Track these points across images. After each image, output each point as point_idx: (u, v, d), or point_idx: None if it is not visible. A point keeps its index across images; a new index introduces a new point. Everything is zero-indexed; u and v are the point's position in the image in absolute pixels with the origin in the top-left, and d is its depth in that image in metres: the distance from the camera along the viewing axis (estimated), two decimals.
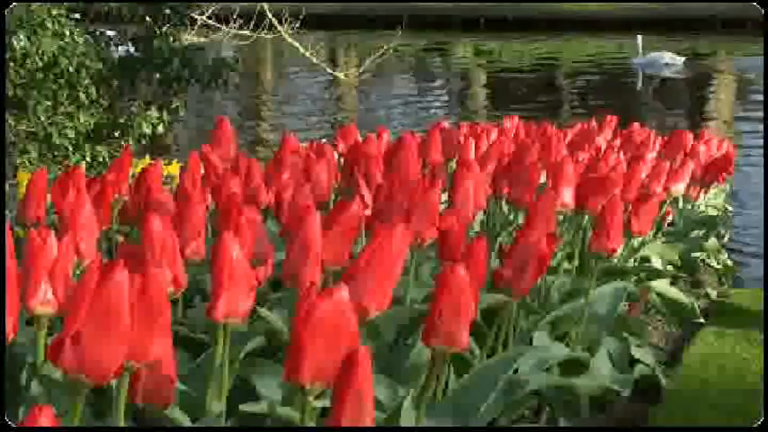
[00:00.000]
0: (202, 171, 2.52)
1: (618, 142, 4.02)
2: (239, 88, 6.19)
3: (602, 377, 2.22)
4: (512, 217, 2.63)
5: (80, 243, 1.71)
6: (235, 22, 6.36)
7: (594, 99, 11.95)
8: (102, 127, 4.86)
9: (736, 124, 9.85)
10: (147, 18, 5.22)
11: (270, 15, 6.19)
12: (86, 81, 4.64)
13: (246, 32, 6.32)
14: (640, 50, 14.08)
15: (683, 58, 14.02)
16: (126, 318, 1.07)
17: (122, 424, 1.23)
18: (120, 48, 5.33)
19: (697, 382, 2.49)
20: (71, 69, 4.52)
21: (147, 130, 4.90)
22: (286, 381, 1.13)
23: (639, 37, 14.15)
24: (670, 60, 13.97)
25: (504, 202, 2.66)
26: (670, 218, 3.48)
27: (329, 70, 7.38)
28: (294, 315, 1.12)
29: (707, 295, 3.47)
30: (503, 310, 1.79)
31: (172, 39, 5.17)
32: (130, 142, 4.87)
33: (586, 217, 2.47)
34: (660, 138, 4.10)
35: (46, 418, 0.90)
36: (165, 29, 5.19)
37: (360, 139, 3.27)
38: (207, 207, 2.16)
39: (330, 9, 18.32)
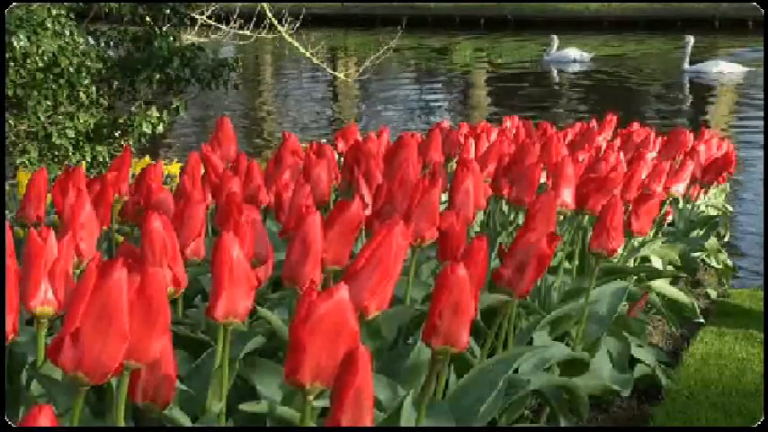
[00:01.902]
0: (203, 171, 2.52)
1: (618, 142, 4.02)
2: (239, 88, 6.18)
3: (603, 377, 2.22)
4: (512, 217, 2.63)
5: (80, 243, 1.71)
6: (235, 22, 6.36)
7: (594, 98, 11.95)
8: (102, 127, 4.86)
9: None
10: (147, 18, 5.22)
11: (270, 15, 6.19)
12: (86, 81, 4.64)
13: (246, 32, 6.32)
14: (554, 48, 14.91)
15: (590, 55, 14.89)
16: (124, 316, 1.06)
17: (122, 424, 1.23)
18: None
19: (697, 382, 2.49)
20: (71, 69, 4.52)
21: (147, 130, 4.90)
22: (286, 381, 1.13)
23: (555, 37, 15.01)
24: (578, 57, 14.83)
25: (504, 202, 2.65)
26: (670, 218, 3.48)
27: (329, 70, 7.38)
28: (294, 315, 1.12)
29: (707, 295, 3.47)
30: (503, 310, 1.79)
31: (172, 39, 5.17)
32: (130, 142, 4.87)
33: (586, 217, 2.47)
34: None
35: (46, 418, 0.90)
36: (165, 29, 5.20)
37: (360, 138, 3.27)
38: (207, 207, 2.16)
39: (330, 9, 18.29)
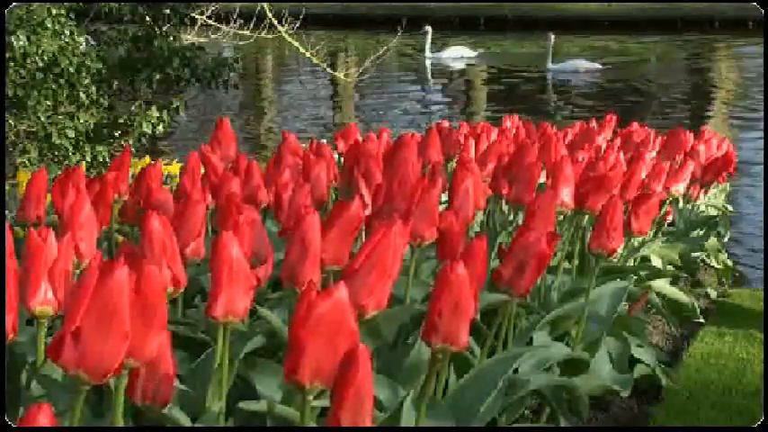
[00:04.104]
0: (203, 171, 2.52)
1: (618, 142, 4.02)
2: (239, 88, 6.18)
3: (602, 377, 2.22)
4: (512, 217, 2.63)
5: (80, 243, 1.71)
6: (235, 22, 6.35)
7: (595, 98, 11.96)
8: (103, 127, 4.85)
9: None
10: (147, 18, 5.21)
11: (270, 15, 6.19)
12: (86, 81, 4.64)
13: (246, 32, 6.31)
14: (428, 42, 15.26)
15: (476, 53, 15.48)
16: (126, 316, 1.07)
17: (121, 423, 1.23)
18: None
19: (697, 382, 2.49)
20: (71, 69, 4.51)
21: (147, 130, 4.90)
22: (286, 380, 1.12)
23: (429, 29, 15.28)
24: (465, 53, 15.43)
25: (504, 203, 2.65)
26: (670, 218, 3.48)
27: (329, 70, 7.38)
28: (293, 315, 1.12)
29: (707, 295, 3.47)
30: (503, 309, 1.79)
31: (172, 39, 5.16)
32: (130, 142, 4.87)
33: (586, 217, 2.46)
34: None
35: (45, 417, 0.90)
36: (165, 29, 5.19)
37: (359, 138, 3.27)
38: (207, 207, 2.16)
39: (330, 9, 18.28)
